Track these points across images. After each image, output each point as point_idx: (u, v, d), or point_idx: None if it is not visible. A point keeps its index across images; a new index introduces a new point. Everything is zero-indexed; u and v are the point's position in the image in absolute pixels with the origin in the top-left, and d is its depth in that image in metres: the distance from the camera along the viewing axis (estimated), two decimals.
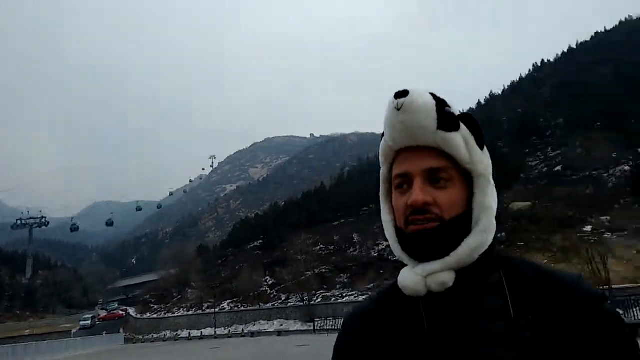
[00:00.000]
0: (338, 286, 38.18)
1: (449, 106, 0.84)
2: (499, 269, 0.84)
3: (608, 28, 71.65)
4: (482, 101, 68.98)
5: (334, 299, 36.17)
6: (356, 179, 64.51)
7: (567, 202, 34.06)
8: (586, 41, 68.97)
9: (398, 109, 0.81)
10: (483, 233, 0.81)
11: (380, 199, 0.92)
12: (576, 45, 69.26)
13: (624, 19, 72.80)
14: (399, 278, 0.84)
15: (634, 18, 70.97)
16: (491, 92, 70.00)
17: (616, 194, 33.60)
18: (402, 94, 0.81)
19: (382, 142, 0.89)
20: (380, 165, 0.92)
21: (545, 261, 26.05)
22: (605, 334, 0.74)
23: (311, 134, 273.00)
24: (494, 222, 0.83)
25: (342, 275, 39.32)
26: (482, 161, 0.85)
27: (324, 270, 40.61)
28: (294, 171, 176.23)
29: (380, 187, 0.93)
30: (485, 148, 0.86)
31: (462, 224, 0.81)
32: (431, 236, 0.80)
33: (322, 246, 46.08)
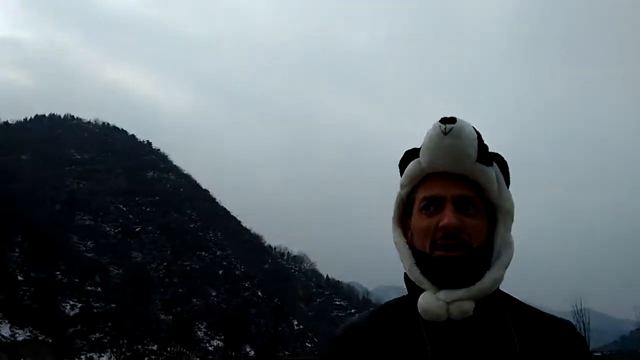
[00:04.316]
0: None
1: (484, 142, 0.87)
2: (502, 304, 0.86)
3: None
4: None
5: None
6: None
7: None
8: None
9: (445, 134, 0.83)
10: (503, 268, 0.84)
11: (393, 221, 0.95)
12: None
13: None
14: (419, 301, 0.82)
15: None
16: None
17: None
18: (450, 120, 0.84)
19: (412, 163, 0.90)
20: (400, 188, 0.94)
21: None
22: None
23: None
24: (512, 259, 0.87)
25: None
26: (509, 199, 0.89)
27: None
28: None
29: (395, 210, 0.95)
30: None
31: (484, 256, 0.84)
32: (459, 263, 0.81)
33: None
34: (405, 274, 0.91)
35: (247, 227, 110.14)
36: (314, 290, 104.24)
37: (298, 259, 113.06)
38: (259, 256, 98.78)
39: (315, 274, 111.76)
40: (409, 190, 0.92)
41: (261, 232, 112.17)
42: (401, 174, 0.95)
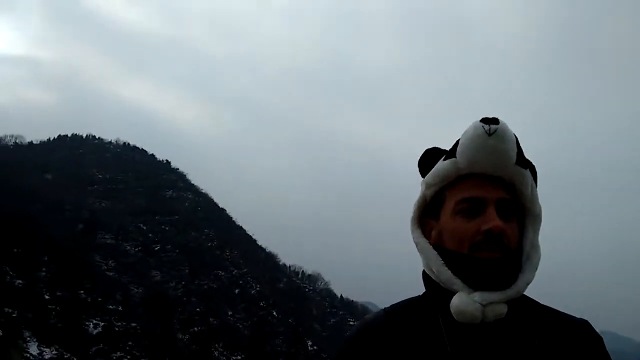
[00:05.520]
0: None
1: (520, 144, 0.85)
2: (522, 304, 0.87)
3: None
4: None
5: None
6: None
7: None
8: None
9: (490, 134, 0.80)
10: (534, 270, 0.85)
11: (412, 221, 0.93)
12: None
13: None
14: (455, 302, 0.81)
15: None
16: None
17: None
18: (493, 121, 0.81)
19: (445, 163, 0.87)
20: (425, 187, 0.92)
21: None
22: None
23: None
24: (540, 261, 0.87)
25: None
26: (539, 203, 0.89)
27: None
28: None
29: (415, 210, 0.94)
30: None
31: (518, 259, 0.85)
32: (500, 265, 0.81)
33: None
34: (424, 273, 0.90)
35: (263, 245, 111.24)
36: (328, 310, 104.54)
37: (312, 278, 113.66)
38: (274, 275, 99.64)
39: (330, 293, 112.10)
40: (437, 190, 0.90)
41: (276, 251, 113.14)
42: (422, 173, 0.93)
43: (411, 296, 0.95)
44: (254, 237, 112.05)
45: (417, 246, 0.92)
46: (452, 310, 0.82)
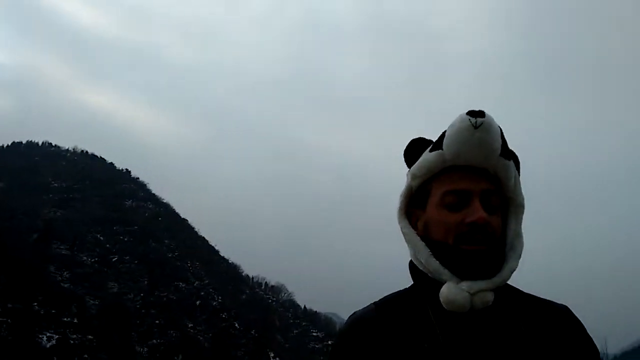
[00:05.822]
0: None
1: (504, 136, 0.88)
2: (506, 292, 0.89)
3: None
4: None
5: None
6: None
7: None
8: None
9: (476, 127, 0.82)
10: (518, 258, 0.88)
11: (400, 212, 0.95)
12: None
13: None
14: (443, 292, 0.83)
15: None
16: None
17: None
18: (479, 114, 0.83)
19: (432, 155, 0.89)
20: (411, 178, 0.93)
21: None
22: (591, 348, 0.88)
23: None
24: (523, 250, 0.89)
25: None
26: (522, 193, 0.91)
27: None
28: None
29: (402, 200, 0.96)
30: None
31: (502, 248, 0.88)
32: (486, 256, 0.83)
33: None
34: (411, 264, 0.93)
35: (225, 256, 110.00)
36: (291, 321, 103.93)
37: (276, 289, 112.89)
38: (237, 286, 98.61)
39: (293, 304, 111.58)
40: (422, 181, 0.92)
41: (239, 262, 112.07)
42: (407, 164, 0.95)
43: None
44: (216, 247, 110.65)
45: (404, 237, 0.93)
46: (441, 300, 0.84)
